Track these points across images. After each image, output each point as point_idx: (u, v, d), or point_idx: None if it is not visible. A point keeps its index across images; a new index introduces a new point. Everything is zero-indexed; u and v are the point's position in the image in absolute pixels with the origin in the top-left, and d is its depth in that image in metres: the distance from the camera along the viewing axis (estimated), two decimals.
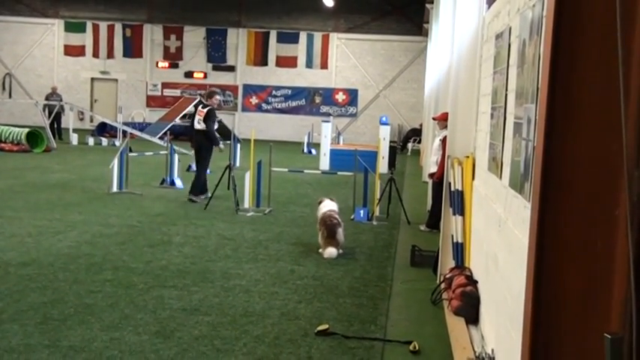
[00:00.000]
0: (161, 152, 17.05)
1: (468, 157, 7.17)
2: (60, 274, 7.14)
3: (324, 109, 33.92)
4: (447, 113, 10.56)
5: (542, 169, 2.34)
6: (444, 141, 9.70)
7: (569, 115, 2.29)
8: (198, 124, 12.49)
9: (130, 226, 9.99)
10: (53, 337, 5.31)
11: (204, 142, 12.58)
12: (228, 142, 14.90)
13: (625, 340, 1.91)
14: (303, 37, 33.94)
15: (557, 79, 2.27)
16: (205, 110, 12.55)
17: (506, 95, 4.70)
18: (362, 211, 11.54)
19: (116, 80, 35.21)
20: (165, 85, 34.90)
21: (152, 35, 35.00)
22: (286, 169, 14.75)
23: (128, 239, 9.05)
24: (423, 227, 10.97)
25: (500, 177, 4.80)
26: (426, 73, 26.67)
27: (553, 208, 2.36)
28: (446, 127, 10.39)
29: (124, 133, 22.22)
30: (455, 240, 7.22)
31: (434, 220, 10.53)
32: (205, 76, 34.67)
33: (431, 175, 10.86)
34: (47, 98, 26.84)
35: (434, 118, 11.38)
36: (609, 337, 1.80)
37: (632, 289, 1.89)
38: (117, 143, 23.68)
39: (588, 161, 2.28)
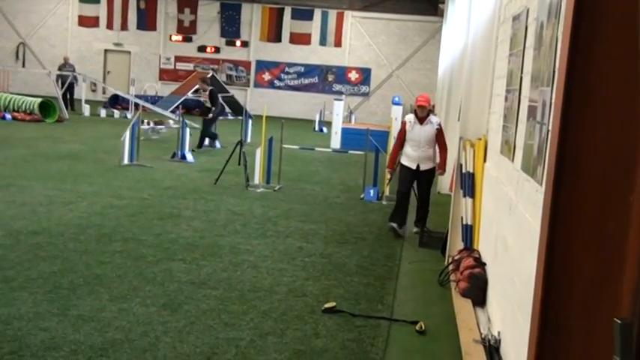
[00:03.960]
0: (173, 126, 17.05)
1: (480, 139, 7.13)
2: (70, 244, 7.19)
3: (337, 87, 33.79)
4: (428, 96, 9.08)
5: (558, 152, 2.32)
6: (440, 129, 8.84)
7: (587, 99, 2.26)
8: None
9: (141, 198, 10.03)
10: (62, 305, 5.36)
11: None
12: (240, 117, 14.88)
13: (635, 325, 1.90)
14: (317, 14, 33.71)
15: (576, 63, 2.24)
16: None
17: (521, 78, 4.66)
18: (372, 191, 11.54)
19: (129, 52, 35.16)
20: (178, 59, 34.82)
21: (166, 8, 34.86)
22: (297, 147, 14.74)
23: (138, 211, 9.09)
24: (414, 230, 9.19)
25: (513, 160, 4.77)
26: (440, 53, 26.48)
27: (567, 191, 2.34)
28: (430, 111, 9.08)
29: (136, 105, 22.23)
30: (464, 222, 7.21)
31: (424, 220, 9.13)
32: (218, 51, 34.56)
33: (429, 171, 8.99)
34: (60, 69, 26.84)
35: (420, 105, 8.84)
36: (619, 322, 1.80)
37: None
38: (129, 115, 23.70)
39: (604, 146, 2.26)
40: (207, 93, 16.93)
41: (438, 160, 9.16)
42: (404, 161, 8.98)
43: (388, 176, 10.44)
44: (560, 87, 2.34)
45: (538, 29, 4.04)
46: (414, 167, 8.89)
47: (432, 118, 8.92)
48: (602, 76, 2.24)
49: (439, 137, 8.88)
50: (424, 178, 9.02)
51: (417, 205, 9.23)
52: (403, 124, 9.04)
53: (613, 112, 2.24)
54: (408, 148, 8.90)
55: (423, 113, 8.82)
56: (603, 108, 2.25)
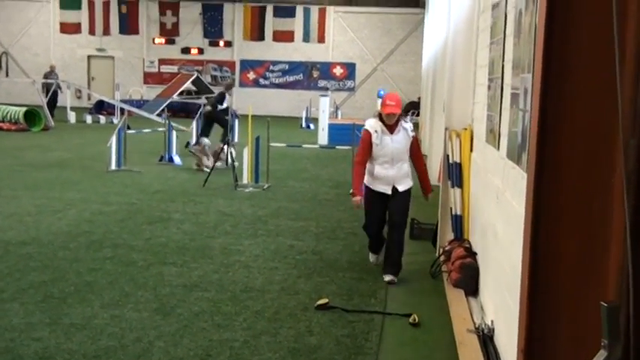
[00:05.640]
0: (159, 129, 17.01)
1: (465, 129, 7.14)
2: (60, 253, 7.15)
3: (322, 83, 33.82)
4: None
5: (538, 138, 2.33)
6: (416, 137, 6.81)
7: (565, 84, 2.27)
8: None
9: (129, 203, 9.99)
10: (54, 315, 5.33)
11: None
12: (227, 117, 14.88)
13: (621, 308, 1.91)
14: (299, 10, 33.71)
15: (552, 48, 2.24)
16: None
17: (503, 66, 4.66)
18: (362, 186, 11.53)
19: (113, 57, 35.03)
20: (162, 62, 34.76)
21: (148, 11, 34.76)
22: (284, 145, 14.73)
23: (127, 217, 9.05)
24: (388, 278, 6.62)
25: (498, 148, 4.78)
26: (424, 45, 26.51)
27: (549, 177, 2.35)
28: (401, 116, 6.65)
29: (122, 110, 22.14)
30: (454, 212, 7.23)
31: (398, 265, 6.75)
32: (202, 52, 34.49)
33: (406, 192, 6.69)
34: (46, 76, 26.70)
35: (390, 113, 6.50)
36: (605, 305, 1.80)
37: (628, 258, 1.88)
38: (115, 121, 23.60)
39: (584, 130, 2.27)
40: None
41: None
42: (373, 185, 6.70)
43: (357, 205, 6.77)
44: (538, 73, 2.34)
45: (517, 17, 4.05)
46: (388, 192, 6.64)
47: (403, 123, 6.63)
48: (579, 62, 2.25)
49: (414, 148, 6.75)
50: (399, 200, 6.69)
51: (387, 240, 6.80)
52: (366, 134, 6.61)
53: (591, 95, 2.24)
54: (377, 168, 6.63)
55: (391, 121, 6.56)
56: (581, 92, 2.25)
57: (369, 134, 6.58)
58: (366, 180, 6.74)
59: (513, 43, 4.17)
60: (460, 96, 7.57)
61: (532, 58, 3.42)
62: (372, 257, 7.23)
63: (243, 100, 32.30)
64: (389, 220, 6.77)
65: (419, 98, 28.49)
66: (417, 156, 6.84)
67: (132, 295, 5.89)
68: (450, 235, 7.31)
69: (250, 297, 5.97)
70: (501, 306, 4.38)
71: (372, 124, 6.61)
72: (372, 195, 6.72)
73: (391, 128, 6.57)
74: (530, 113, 3.10)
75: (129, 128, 15.42)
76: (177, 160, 14.53)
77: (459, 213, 7.14)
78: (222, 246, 7.71)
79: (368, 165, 6.69)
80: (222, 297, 5.93)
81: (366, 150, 6.61)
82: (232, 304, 5.77)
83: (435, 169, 12.64)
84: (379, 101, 20.40)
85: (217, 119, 15.51)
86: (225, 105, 15.88)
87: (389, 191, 6.64)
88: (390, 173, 6.61)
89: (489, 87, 5.41)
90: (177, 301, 5.76)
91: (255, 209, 9.91)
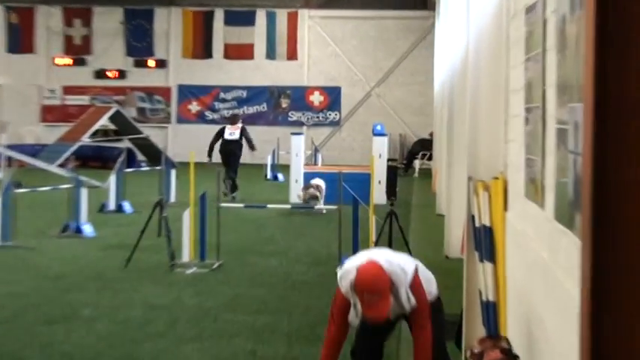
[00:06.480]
0: (62, 186, 16.98)
1: (497, 178, 7.20)
2: None
3: (295, 116, 34.10)
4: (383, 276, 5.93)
5: (592, 192, 2.35)
6: (417, 282, 6.22)
7: (624, 116, 2.31)
8: (230, 136, 21.11)
9: (19, 295, 9.90)
10: None
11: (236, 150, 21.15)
12: (158, 167, 14.92)
13: None
14: (261, 16, 34.13)
15: (607, 68, 2.28)
16: (240, 126, 21.59)
17: (544, 91, 4.73)
18: None
19: None
20: (67, 91, 34.92)
21: (48, 21, 35.05)
22: (241, 205, 14.74)
23: (15, 315, 8.97)
24: None
25: (543, 206, 4.82)
26: (435, 61, 26.86)
27: (610, 246, 2.36)
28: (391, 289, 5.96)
29: (9, 160, 22.09)
30: (484, 298, 7.22)
31: None
32: (123, 76, 34.66)
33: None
34: None
35: (376, 319, 5.83)
36: None
37: None
38: None
39: None
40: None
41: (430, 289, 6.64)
42: None
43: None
44: (588, 101, 2.38)
45: (560, 25, 4.12)
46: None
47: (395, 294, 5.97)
48: None
49: (415, 317, 6.27)
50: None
51: None
52: (342, 300, 5.96)
53: None
54: None
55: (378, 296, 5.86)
56: None
57: (345, 302, 5.94)
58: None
59: (557, 60, 4.24)
60: (488, 132, 7.65)
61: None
62: None
63: (182, 143, 32.36)
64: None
65: (431, 134, 28.80)
66: (418, 329, 6.29)
67: None
68: (481, 331, 7.29)
69: None
70: None
71: (349, 294, 5.87)
72: None
73: None
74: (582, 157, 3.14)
75: (19, 186, 15.37)
76: (87, 230, 14.45)
77: (491, 299, 7.14)
78: (152, 354, 7.65)
79: None
80: None
81: (341, 321, 6.00)
82: None
83: (456, 237, 12.68)
84: (375, 140, 20.65)
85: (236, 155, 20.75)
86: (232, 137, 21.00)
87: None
88: None
89: (527, 120, 5.47)
90: None
91: (201, 299, 9.86)
